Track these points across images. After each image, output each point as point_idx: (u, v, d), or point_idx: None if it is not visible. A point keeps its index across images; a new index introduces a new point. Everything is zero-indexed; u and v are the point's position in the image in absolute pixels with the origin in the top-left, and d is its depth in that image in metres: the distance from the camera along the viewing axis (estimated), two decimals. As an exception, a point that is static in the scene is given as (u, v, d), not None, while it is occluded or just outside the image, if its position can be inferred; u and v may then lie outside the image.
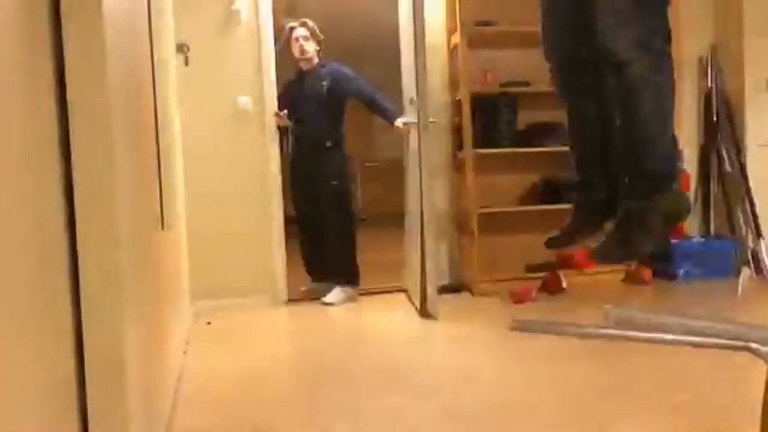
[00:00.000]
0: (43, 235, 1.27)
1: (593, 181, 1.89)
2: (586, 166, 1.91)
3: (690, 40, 5.20)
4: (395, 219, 5.36)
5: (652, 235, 1.80)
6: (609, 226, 1.88)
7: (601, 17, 1.67)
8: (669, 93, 1.73)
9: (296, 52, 4.67)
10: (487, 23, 4.79)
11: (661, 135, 1.75)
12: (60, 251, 1.39)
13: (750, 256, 5.01)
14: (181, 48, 4.35)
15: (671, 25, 1.74)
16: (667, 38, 1.72)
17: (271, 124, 4.67)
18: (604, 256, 1.85)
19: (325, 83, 4.61)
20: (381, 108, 4.66)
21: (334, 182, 4.60)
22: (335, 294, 4.61)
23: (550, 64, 1.87)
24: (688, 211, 1.89)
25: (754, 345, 1.07)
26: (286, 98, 4.76)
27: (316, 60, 4.69)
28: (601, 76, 1.81)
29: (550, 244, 1.96)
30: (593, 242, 1.92)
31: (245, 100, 4.63)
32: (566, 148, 2.03)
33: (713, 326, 1.00)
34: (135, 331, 1.75)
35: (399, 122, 4.51)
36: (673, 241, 5.00)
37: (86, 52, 1.48)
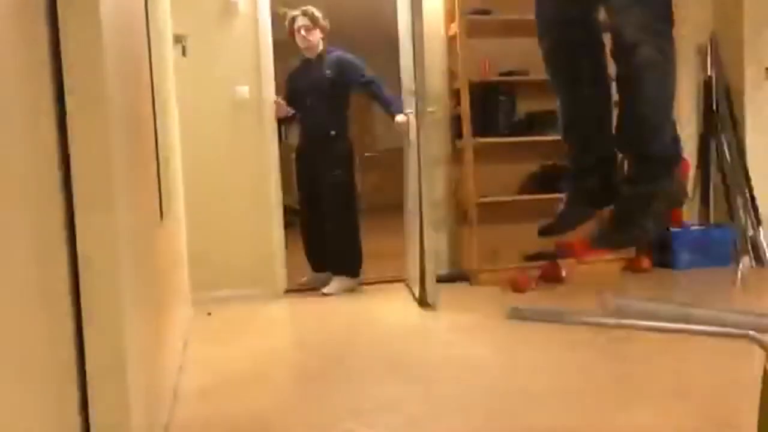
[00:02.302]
0: (41, 226, 1.27)
1: (587, 167, 1.88)
2: (580, 152, 1.89)
3: (690, 28, 5.18)
4: (395, 209, 5.36)
5: (652, 220, 1.79)
6: (602, 213, 1.86)
7: (611, 3, 1.67)
8: (673, 76, 1.73)
9: (299, 42, 4.64)
10: (485, 12, 4.78)
11: (666, 118, 1.75)
12: (59, 241, 1.39)
13: (749, 245, 5.02)
14: (179, 39, 4.33)
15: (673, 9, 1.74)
16: (671, 21, 1.71)
17: (270, 113, 4.66)
18: (603, 241, 1.83)
19: (329, 72, 4.59)
20: (384, 100, 4.64)
21: (337, 172, 4.58)
22: (335, 284, 4.62)
23: (544, 46, 1.85)
24: (686, 196, 1.89)
25: (752, 333, 1.07)
26: (290, 87, 4.74)
27: (320, 48, 4.66)
28: (596, 59, 1.80)
29: (543, 231, 1.95)
30: (586, 229, 1.91)
31: (243, 90, 4.62)
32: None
33: (712, 314, 1.00)
34: (135, 322, 1.75)
35: (399, 118, 4.48)
36: (672, 229, 5.01)
37: (83, 42, 1.47)
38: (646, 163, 1.75)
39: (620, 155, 1.87)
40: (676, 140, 1.81)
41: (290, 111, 4.66)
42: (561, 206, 1.94)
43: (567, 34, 1.80)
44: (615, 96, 1.82)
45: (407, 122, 4.37)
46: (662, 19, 1.70)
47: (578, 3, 1.77)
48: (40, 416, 1.18)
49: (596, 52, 1.81)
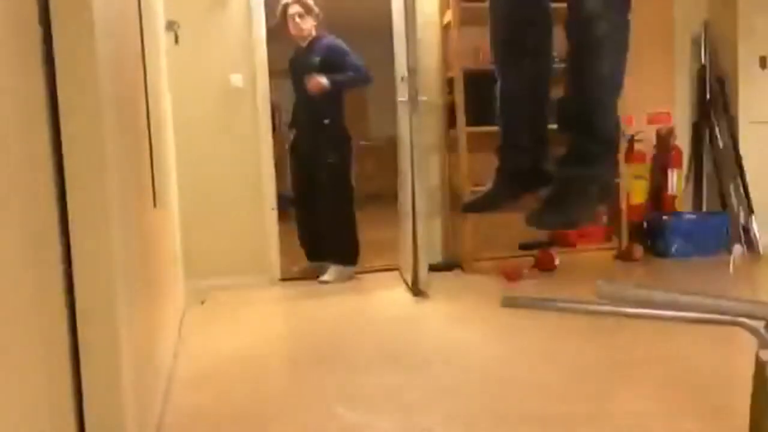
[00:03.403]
0: (33, 213, 1.26)
1: (521, 147, 1.82)
2: (517, 131, 1.84)
3: (683, 16, 5.18)
4: (389, 198, 5.35)
5: (590, 204, 1.76)
6: (530, 195, 1.81)
7: None
8: (625, 57, 1.68)
9: (292, 29, 4.61)
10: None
11: (614, 100, 1.71)
12: (52, 229, 1.38)
13: (742, 232, 5.04)
14: (171, 26, 4.29)
15: None
16: (628, 3, 1.66)
17: (263, 100, 4.64)
18: (539, 222, 1.75)
19: (318, 59, 4.55)
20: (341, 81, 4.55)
21: (331, 160, 4.57)
22: (331, 272, 4.62)
23: (493, 16, 1.80)
24: (612, 194, 1.85)
25: (745, 320, 1.08)
26: (290, 73, 4.71)
27: (312, 35, 4.63)
28: (543, 36, 1.76)
29: (467, 208, 1.90)
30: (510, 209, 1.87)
31: (237, 78, 4.59)
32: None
33: (705, 301, 1.00)
34: (128, 309, 1.75)
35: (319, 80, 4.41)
36: (665, 217, 5.03)
37: (75, 29, 1.46)
38: (587, 145, 1.70)
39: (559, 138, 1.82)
40: (619, 125, 1.77)
41: (327, 85, 4.52)
42: (489, 184, 1.88)
43: (519, 8, 1.75)
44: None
45: (316, 84, 4.37)
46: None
47: None
48: (34, 404, 1.17)
49: (544, 28, 1.76)
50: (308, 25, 4.60)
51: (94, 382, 1.50)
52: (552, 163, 1.81)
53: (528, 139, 1.83)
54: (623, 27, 1.67)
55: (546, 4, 1.77)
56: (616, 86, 1.70)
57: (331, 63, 4.55)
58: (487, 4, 1.83)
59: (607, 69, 1.66)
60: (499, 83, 1.87)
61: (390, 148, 5.54)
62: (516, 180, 1.84)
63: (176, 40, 4.33)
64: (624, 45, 1.68)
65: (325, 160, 4.55)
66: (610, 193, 1.81)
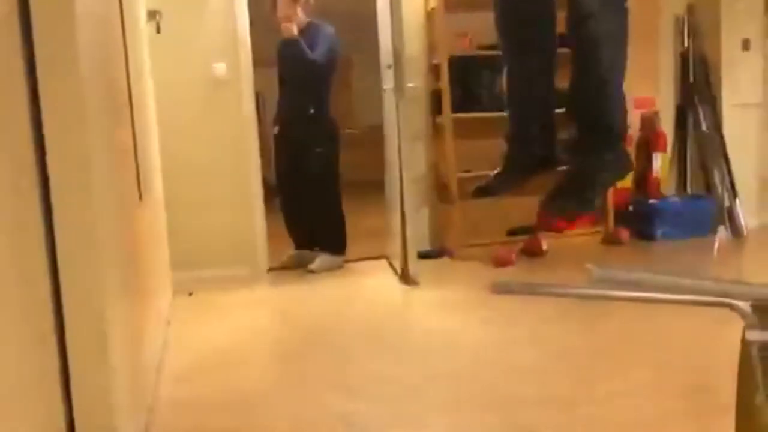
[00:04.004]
0: (17, 207, 1.24)
1: (530, 135, 1.91)
2: (525, 120, 1.93)
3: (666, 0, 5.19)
4: (375, 186, 5.34)
5: (602, 189, 1.85)
6: (537, 179, 1.89)
7: None
8: (625, 46, 1.75)
9: (279, 13, 4.54)
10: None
11: (619, 89, 1.78)
12: (36, 223, 1.37)
13: (726, 215, 5.09)
14: (153, 15, 4.24)
15: None
16: None
17: (248, 90, 4.60)
18: (552, 207, 1.88)
19: (301, 46, 4.51)
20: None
21: (318, 150, 4.54)
22: (320, 262, 4.61)
23: (498, 9, 1.87)
24: (632, 168, 1.95)
25: (733, 300, 1.09)
26: (278, 59, 4.67)
27: (299, 23, 4.57)
28: (547, 27, 1.82)
29: (478, 193, 2.00)
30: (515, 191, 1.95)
31: (221, 67, 4.55)
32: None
33: (692, 283, 1.01)
34: (116, 302, 1.73)
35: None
36: (651, 201, 5.06)
37: (55, 19, 1.44)
38: (595, 133, 1.78)
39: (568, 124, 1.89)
40: (625, 112, 1.84)
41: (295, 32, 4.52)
42: (499, 169, 1.99)
43: (523, 2, 1.82)
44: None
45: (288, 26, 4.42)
46: None
47: None
48: (24, 399, 1.16)
49: (548, 21, 1.83)
50: (296, 16, 4.52)
51: (82, 376, 1.48)
52: (560, 148, 1.89)
53: (536, 127, 1.90)
54: (622, 18, 1.73)
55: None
56: (619, 75, 1.75)
57: (310, 42, 4.49)
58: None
59: (608, 61, 1.72)
60: (506, 73, 1.97)
61: (375, 136, 5.52)
62: (525, 165, 1.93)
63: (158, 30, 4.28)
64: (623, 36, 1.74)
65: (311, 150, 4.53)
66: (621, 177, 1.92)
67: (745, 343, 1.18)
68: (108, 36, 2.18)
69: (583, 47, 1.72)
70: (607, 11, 1.68)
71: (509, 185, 1.97)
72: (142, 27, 3.87)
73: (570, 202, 1.83)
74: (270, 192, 4.89)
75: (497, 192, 1.99)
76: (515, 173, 1.95)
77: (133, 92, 2.70)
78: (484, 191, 1.99)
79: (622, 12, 1.72)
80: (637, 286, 1.12)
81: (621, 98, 1.80)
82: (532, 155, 1.91)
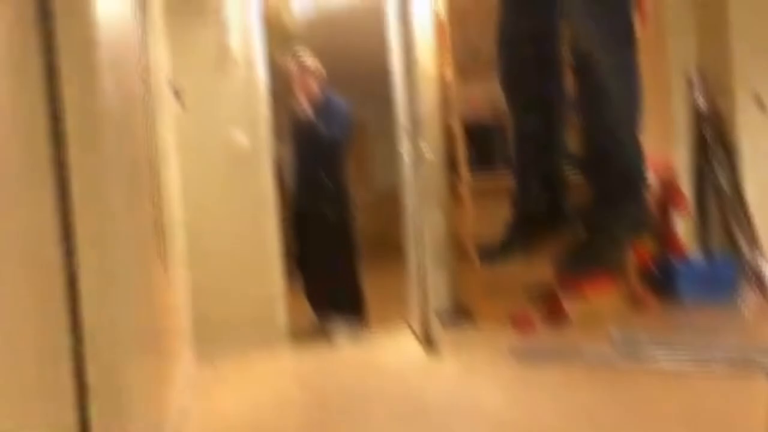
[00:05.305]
0: (41, 287, 1.26)
1: (533, 190, 1.82)
2: (528, 175, 1.84)
3: (676, 59, 5.22)
4: (393, 251, 5.33)
5: (619, 245, 1.74)
6: (547, 239, 1.79)
7: (570, 17, 1.64)
8: (635, 92, 1.66)
9: (297, 89, 4.66)
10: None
11: (630, 134, 1.68)
12: (59, 300, 1.38)
13: (753, 277, 4.97)
14: (176, 93, 4.35)
15: (638, 32, 1.69)
16: (631, 35, 1.65)
17: (268, 161, 4.66)
18: (568, 265, 1.76)
19: (318, 122, 4.61)
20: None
21: (334, 219, 4.60)
22: (340, 330, 4.59)
23: (500, 67, 1.80)
24: (650, 224, 1.84)
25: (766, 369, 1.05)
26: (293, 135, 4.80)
27: (314, 99, 4.68)
28: (553, 78, 1.75)
29: (485, 258, 1.90)
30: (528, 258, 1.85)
31: (242, 139, 4.62)
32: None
33: (722, 351, 0.97)
34: (137, 370, 1.73)
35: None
36: (675, 262, 4.98)
37: (81, 87, 1.48)
38: (608, 185, 1.68)
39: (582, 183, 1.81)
40: (642, 160, 1.74)
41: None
42: (504, 233, 1.87)
43: (525, 52, 1.74)
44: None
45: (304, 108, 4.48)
46: (621, 32, 1.64)
47: (541, 17, 1.72)
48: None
49: (554, 70, 1.75)
50: (310, 86, 4.64)
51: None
52: (571, 204, 1.79)
53: (538, 182, 1.82)
54: (626, 64, 1.64)
55: (554, 44, 1.75)
56: (628, 120, 1.66)
57: (331, 126, 4.60)
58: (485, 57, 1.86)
59: (615, 109, 1.63)
60: (511, 135, 1.88)
61: (392, 198, 5.54)
62: (528, 224, 1.82)
63: (183, 106, 4.38)
64: (632, 70, 1.64)
65: (328, 219, 4.58)
66: (640, 231, 1.80)
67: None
68: (132, 107, 2.24)
69: (586, 88, 1.64)
70: (608, 46, 1.59)
71: (514, 248, 1.86)
72: (168, 103, 3.98)
73: (586, 259, 1.71)
74: (291, 261, 4.91)
75: (501, 257, 1.89)
76: (519, 234, 1.84)
77: (159, 167, 2.76)
78: (487, 258, 1.90)
79: (627, 45, 1.63)
80: (662, 354, 1.10)
81: (635, 143, 1.69)
82: (536, 213, 1.80)
